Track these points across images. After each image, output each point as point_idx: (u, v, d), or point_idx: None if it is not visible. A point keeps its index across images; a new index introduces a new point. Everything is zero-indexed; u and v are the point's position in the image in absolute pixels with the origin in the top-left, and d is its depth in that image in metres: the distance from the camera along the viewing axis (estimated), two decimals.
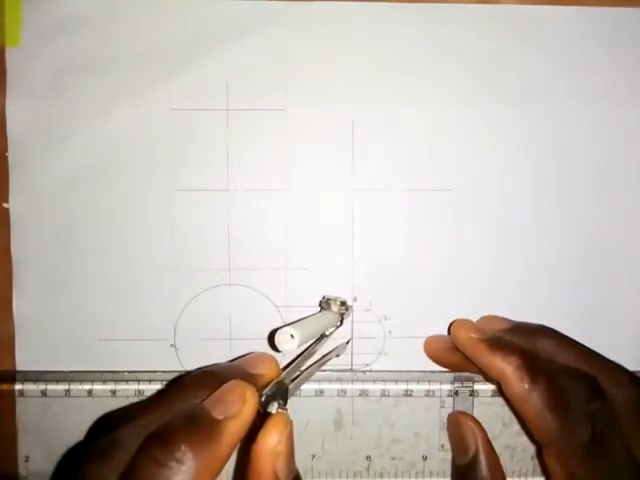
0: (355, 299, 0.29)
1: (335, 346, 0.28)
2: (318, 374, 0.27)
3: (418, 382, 0.28)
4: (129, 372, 0.28)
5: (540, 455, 0.24)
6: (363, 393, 0.28)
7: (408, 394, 0.28)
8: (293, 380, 0.24)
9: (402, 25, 0.29)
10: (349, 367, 0.29)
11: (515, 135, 0.29)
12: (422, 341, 0.29)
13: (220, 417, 0.20)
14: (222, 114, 0.28)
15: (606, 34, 0.29)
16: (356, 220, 0.29)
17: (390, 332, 0.29)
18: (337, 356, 0.28)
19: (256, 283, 0.29)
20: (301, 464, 0.27)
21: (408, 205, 0.29)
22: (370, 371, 0.29)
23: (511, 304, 0.29)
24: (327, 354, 0.27)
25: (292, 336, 0.22)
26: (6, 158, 0.28)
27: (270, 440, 0.20)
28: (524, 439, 0.27)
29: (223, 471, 0.20)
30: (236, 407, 0.21)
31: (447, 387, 0.28)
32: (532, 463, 0.27)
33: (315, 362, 0.26)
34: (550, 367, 0.24)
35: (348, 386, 0.28)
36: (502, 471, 0.25)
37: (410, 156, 0.29)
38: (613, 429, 0.24)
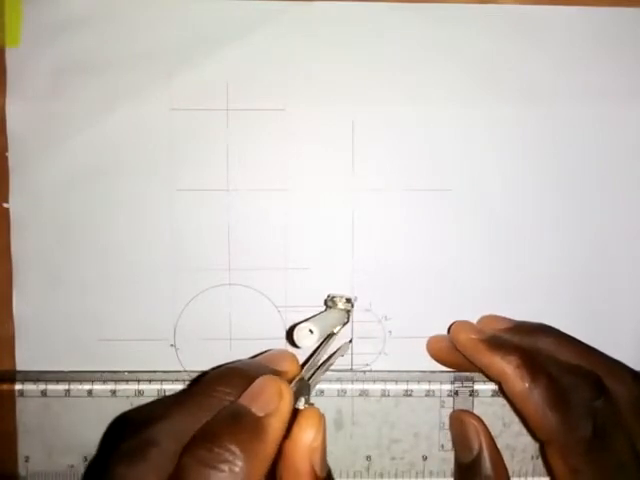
0: (355, 299, 0.29)
1: (339, 346, 0.28)
2: None
3: (418, 382, 0.28)
4: (129, 372, 0.28)
5: (543, 453, 0.25)
6: (363, 393, 0.28)
7: (408, 394, 0.28)
8: (309, 378, 0.23)
9: (402, 25, 0.29)
10: (349, 367, 0.29)
11: (515, 135, 0.29)
12: (422, 341, 0.29)
13: (261, 414, 0.20)
14: (222, 114, 0.28)
15: (606, 34, 0.29)
16: (356, 220, 0.29)
17: (390, 332, 0.29)
18: (342, 356, 0.28)
19: (256, 283, 0.29)
20: None
21: (408, 205, 0.29)
22: (370, 371, 0.29)
23: (511, 304, 0.29)
24: (333, 354, 0.27)
25: (311, 331, 0.22)
26: (6, 158, 0.28)
27: (306, 436, 0.20)
28: (524, 439, 0.27)
29: None
30: (274, 403, 0.20)
31: (447, 387, 0.28)
32: (532, 463, 0.27)
33: (324, 361, 0.26)
34: (551, 365, 0.25)
35: (348, 386, 0.28)
36: (506, 469, 0.25)
37: (410, 156, 0.29)
38: (616, 425, 0.24)
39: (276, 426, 0.20)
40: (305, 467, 0.20)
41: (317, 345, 0.24)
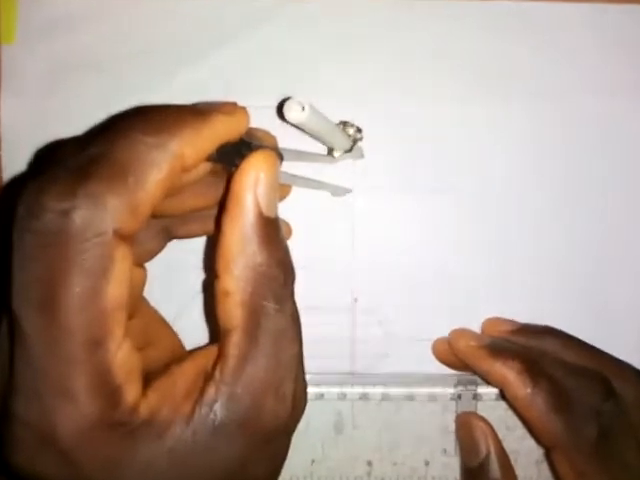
0: (355, 300, 0.28)
1: (336, 186, 0.27)
2: (318, 377, 0.27)
3: (420, 385, 0.27)
4: None
5: (549, 458, 0.24)
6: (364, 396, 0.27)
7: (410, 398, 0.27)
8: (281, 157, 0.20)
9: (403, 23, 0.28)
10: (349, 370, 0.28)
11: (518, 134, 0.29)
12: (424, 343, 0.28)
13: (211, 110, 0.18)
14: None
15: (611, 31, 0.29)
16: (356, 220, 0.28)
17: (391, 334, 0.28)
18: (333, 195, 0.27)
19: None
20: (301, 469, 0.27)
21: (409, 205, 0.29)
22: (371, 374, 0.28)
23: (513, 305, 0.28)
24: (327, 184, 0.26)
25: (303, 109, 0.20)
26: (0, 156, 0.28)
27: (253, 166, 0.18)
28: (528, 443, 0.27)
29: None
30: (229, 107, 0.19)
31: (450, 390, 0.27)
32: (537, 467, 0.27)
33: (314, 181, 0.25)
34: (557, 368, 0.25)
35: (348, 389, 0.27)
36: (514, 472, 0.25)
37: (410, 156, 0.29)
38: (623, 426, 0.24)
39: (224, 120, 0.18)
40: (248, 199, 0.17)
41: (309, 125, 0.22)
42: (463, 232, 0.29)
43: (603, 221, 0.29)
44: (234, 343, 0.18)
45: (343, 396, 0.27)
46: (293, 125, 0.20)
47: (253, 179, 0.18)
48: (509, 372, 0.24)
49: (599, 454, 0.23)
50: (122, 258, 0.16)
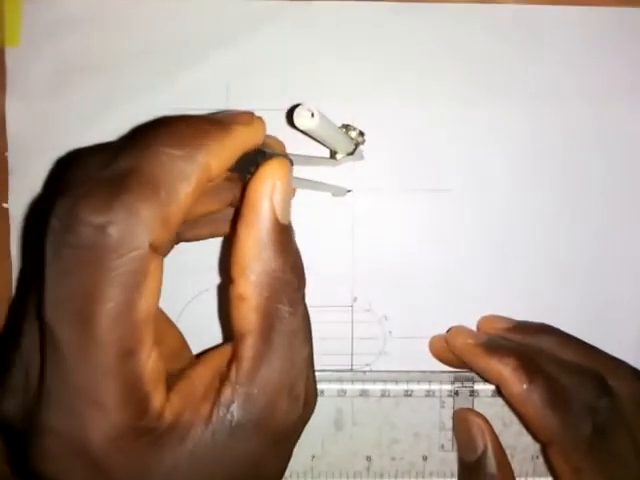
0: (355, 299, 0.29)
1: (336, 187, 0.27)
2: (318, 374, 0.27)
3: (418, 382, 0.28)
4: None
5: (545, 454, 0.25)
6: (363, 393, 0.28)
7: (408, 394, 0.28)
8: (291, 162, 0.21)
9: (403, 25, 0.29)
10: (349, 367, 0.29)
11: (516, 135, 0.29)
12: (422, 341, 0.29)
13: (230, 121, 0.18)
14: None
15: (609, 34, 0.29)
16: (356, 220, 0.29)
17: (390, 332, 0.29)
18: (333, 195, 0.28)
19: None
20: (301, 464, 0.27)
21: (409, 205, 0.29)
22: (370, 371, 0.29)
23: (512, 304, 0.29)
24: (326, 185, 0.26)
25: (313, 115, 0.20)
26: (6, 158, 0.28)
27: (270, 173, 0.18)
28: (524, 439, 0.27)
29: None
30: (247, 117, 0.19)
31: (447, 387, 0.28)
32: (533, 463, 0.27)
33: (315, 182, 0.25)
34: (552, 365, 0.25)
35: (348, 386, 0.28)
36: (510, 468, 0.26)
37: (411, 156, 0.29)
38: (618, 423, 0.24)
39: (246, 132, 0.19)
40: (265, 206, 0.18)
41: (318, 131, 0.22)
42: (462, 232, 0.29)
43: (601, 221, 0.29)
44: (249, 346, 0.18)
45: (343, 393, 0.28)
46: (300, 130, 0.21)
47: (270, 187, 0.18)
48: (505, 369, 0.24)
49: (594, 450, 0.24)
50: (154, 270, 0.17)
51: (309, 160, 0.26)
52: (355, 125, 0.26)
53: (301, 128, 0.21)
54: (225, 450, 0.17)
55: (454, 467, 0.28)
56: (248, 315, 0.18)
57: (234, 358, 0.18)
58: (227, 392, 0.17)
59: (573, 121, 0.29)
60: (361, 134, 0.26)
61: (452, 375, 0.28)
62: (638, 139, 0.29)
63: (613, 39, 0.29)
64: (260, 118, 0.20)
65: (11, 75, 0.28)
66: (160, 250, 0.17)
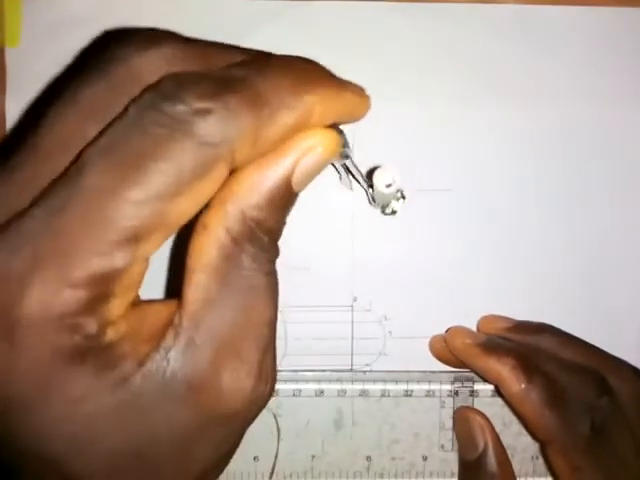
0: (355, 299, 0.29)
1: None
2: (318, 374, 0.27)
3: (418, 382, 0.28)
4: None
5: (544, 453, 0.25)
6: (363, 393, 0.28)
7: (408, 394, 0.28)
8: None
9: (403, 25, 0.29)
10: (349, 367, 0.29)
11: (516, 135, 0.29)
12: (422, 341, 0.29)
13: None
14: None
15: (609, 34, 0.29)
16: (356, 220, 0.29)
17: (390, 332, 0.29)
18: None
19: None
20: (301, 465, 0.27)
21: (408, 205, 0.29)
22: (370, 371, 0.29)
23: (512, 304, 0.29)
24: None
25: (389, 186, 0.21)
26: None
27: (323, 135, 0.17)
28: (524, 439, 0.27)
29: None
30: (361, 91, 0.18)
31: (447, 387, 0.28)
32: (533, 463, 0.27)
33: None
34: (552, 364, 0.25)
35: (348, 386, 0.28)
36: (511, 466, 0.26)
37: (410, 156, 0.29)
38: (618, 423, 0.24)
39: (354, 101, 0.18)
40: (289, 160, 0.16)
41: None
42: (462, 232, 0.29)
43: (601, 221, 0.29)
44: (199, 285, 0.16)
45: (343, 393, 0.28)
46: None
47: (309, 146, 0.16)
48: (503, 368, 0.24)
49: (594, 449, 0.24)
50: (215, 179, 0.15)
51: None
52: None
53: (378, 190, 0.21)
54: (151, 406, 0.15)
55: (454, 467, 0.28)
56: (207, 248, 0.16)
57: (181, 299, 0.16)
58: (169, 336, 0.15)
59: (573, 121, 0.29)
60: (402, 196, 0.27)
61: (452, 375, 0.28)
62: (638, 139, 0.29)
63: (613, 39, 0.29)
64: (369, 98, 0.19)
65: (11, 75, 0.28)
66: (231, 167, 0.15)
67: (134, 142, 0.14)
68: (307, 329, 0.28)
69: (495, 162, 0.29)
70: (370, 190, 0.25)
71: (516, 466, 0.27)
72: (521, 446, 0.27)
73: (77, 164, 0.15)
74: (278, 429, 0.27)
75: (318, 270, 0.29)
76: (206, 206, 0.16)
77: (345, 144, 0.19)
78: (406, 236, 0.29)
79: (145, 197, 0.14)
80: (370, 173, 0.23)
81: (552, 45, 0.29)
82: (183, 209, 0.15)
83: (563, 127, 0.29)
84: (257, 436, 0.27)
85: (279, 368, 0.25)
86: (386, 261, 0.29)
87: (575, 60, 0.29)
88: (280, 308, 0.28)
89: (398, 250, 0.29)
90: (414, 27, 0.29)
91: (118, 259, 0.14)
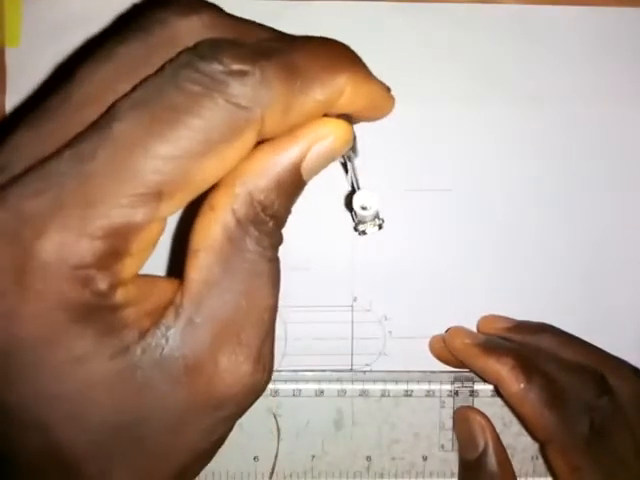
0: (355, 299, 0.29)
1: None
2: (318, 374, 0.27)
3: (418, 382, 0.28)
4: None
5: (543, 453, 0.25)
6: (363, 393, 0.28)
7: (408, 394, 0.28)
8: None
9: (402, 25, 0.29)
10: (349, 367, 0.29)
11: (516, 135, 0.29)
12: (422, 341, 0.29)
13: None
14: None
15: (609, 34, 0.29)
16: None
17: (390, 332, 0.29)
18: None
19: None
20: (301, 464, 0.27)
21: (408, 205, 0.29)
22: (370, 371, 0.29)
23: (512, 304, 0.29)
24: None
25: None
26: None
27: (339, 126, 0.17)
28: (524, 439, 0.27)
29: None
30: (386, 87, 0.18)
31: (447, 387, 0.28)
32: (533, 463, 0.27)
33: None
34: (552, 364, 0.25)
35: (348, 386, 0.28)
36: (511, 466, 0.26)
37: (410, 156, 0.29)
38: (618, 423, 0.24)
39: (382, 93, 0.18)
40: (300, 147, 0.16)
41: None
42: (462, 232, 0.29)
43: (601, 220, 0.29)
44: (202, 266, 0.16)
45: (343, 393, 0.28)
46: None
47: (321, 135, 0.16)
48: (502, 368, 0.24)
49: (593, 449, 0.24)
50: (242, 146, 0.15)
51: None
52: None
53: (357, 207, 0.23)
54: (146, 382, 0.15)
55: (454, 467, 0.28)
56: (212, 229, 0.16)
57: (183, 279, 0.16)
58: (170, 314, 0.15)
59: (573, 121, 0.29)
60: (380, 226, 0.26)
61: (452, 375, 0.28)
62: (638, 139, 0.29)
63: (613, 39, 0.29)
64: (394, 100, 0.19)
65: (11, 75, 0.28)
66: (260, 135, 0.15)
67: (167, 97, 0.15)
68: (307, 329, 0.28)
69: (495, 162, 0.29)
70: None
71: (516, 466, 0.27)
72: (521, 446, 0.27)
73: (109, 113, 0.15)
74: (278, 429, 0.27)
75: (318, 270, 0.29)
76: (213, 187, 0.16)
77: (354, 143, 0.19)
78: (406, 236, 0.29)
79: (173, 152, 0.14)
80: (353, 193, 0.24)
81: (552, 45, 0.29)
82: (208, 171, 0.15)
83: (563, 127, 0.29)
84: (257, 436, 0.27)
85: (279, 368, 0.25)
86: (386, 261, 0.29)
87: (575, 60, 0.29)
88: (280, 308, 0.29)
89: (398, 250, 0.29)
90: (414, 27, 0.29)
91: (139, 214, 0.14)
